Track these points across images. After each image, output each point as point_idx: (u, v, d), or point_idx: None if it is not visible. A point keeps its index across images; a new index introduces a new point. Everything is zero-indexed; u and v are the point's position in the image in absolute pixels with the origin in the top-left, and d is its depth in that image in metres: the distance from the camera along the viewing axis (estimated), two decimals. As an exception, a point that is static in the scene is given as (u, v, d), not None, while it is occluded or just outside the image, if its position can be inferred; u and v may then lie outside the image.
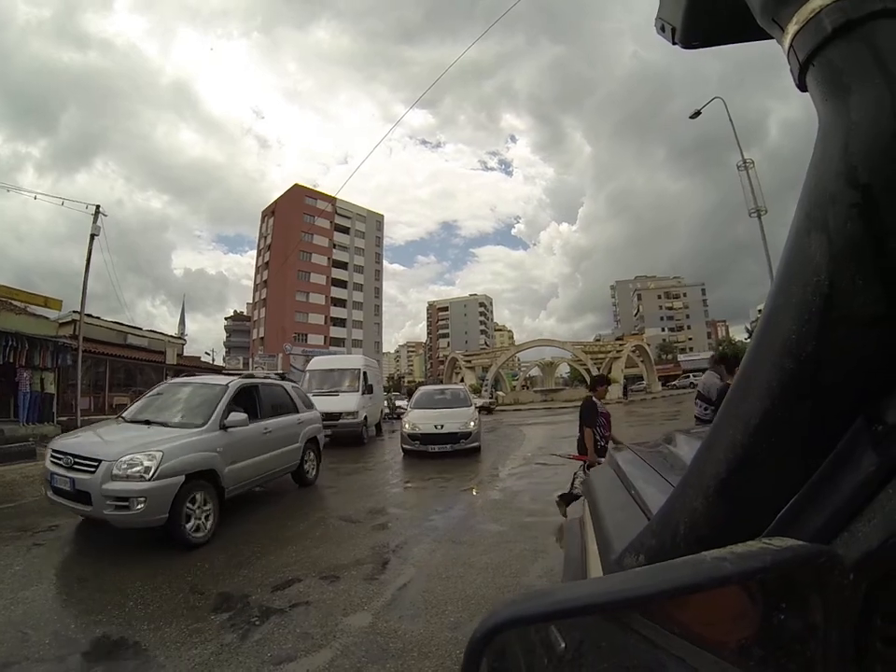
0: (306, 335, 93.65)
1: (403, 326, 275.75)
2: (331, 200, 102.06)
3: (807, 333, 0.48)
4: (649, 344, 78.29)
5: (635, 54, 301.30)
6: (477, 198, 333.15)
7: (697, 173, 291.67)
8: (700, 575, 0.46)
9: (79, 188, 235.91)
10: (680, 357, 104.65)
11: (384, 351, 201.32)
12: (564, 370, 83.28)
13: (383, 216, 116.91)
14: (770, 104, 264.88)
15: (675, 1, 0.73)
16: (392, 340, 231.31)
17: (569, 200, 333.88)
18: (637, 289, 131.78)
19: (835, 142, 0.47)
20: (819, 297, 0.47)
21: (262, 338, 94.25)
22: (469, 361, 64.52)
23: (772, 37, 0.57)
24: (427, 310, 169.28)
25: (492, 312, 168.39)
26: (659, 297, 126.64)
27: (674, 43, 0.78)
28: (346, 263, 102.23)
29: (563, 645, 0.71)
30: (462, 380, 58.14)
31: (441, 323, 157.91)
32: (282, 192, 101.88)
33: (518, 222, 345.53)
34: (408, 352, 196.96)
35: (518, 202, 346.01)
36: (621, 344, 64.31)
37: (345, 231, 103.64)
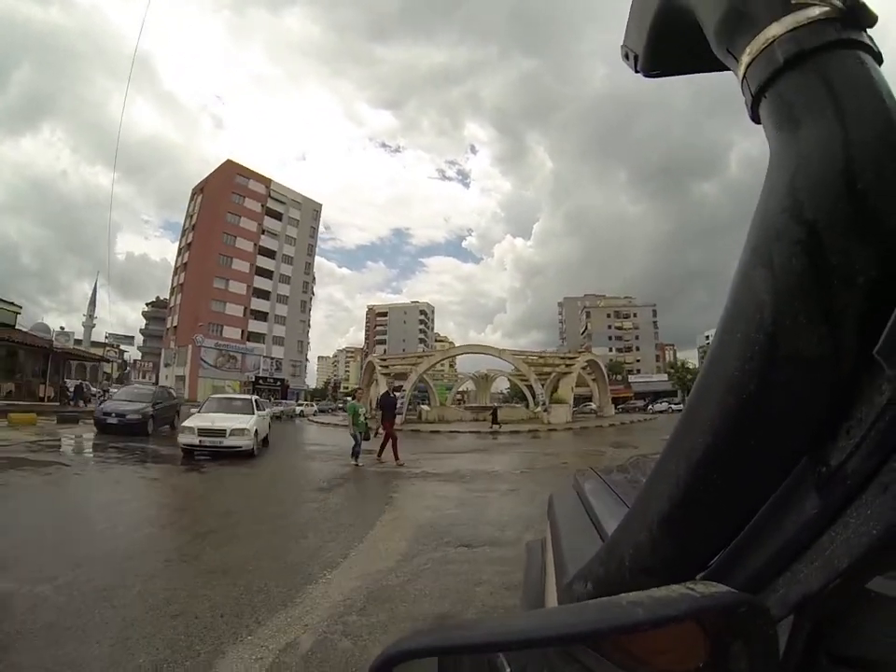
0: (222, 327, 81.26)
1: (348, 331, 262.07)
2: (266, 181, 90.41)
3: (750, 371, 0.46)
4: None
5: (607, 77, 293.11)
6: (432, 207, 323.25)
7: (657, 198, 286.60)
8: (606, 621, 0.46)
9: (24, 153, 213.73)
10: (632, 379, 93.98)
11: (327, 356, 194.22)
12: (503, 384, 69.94)
13: (321, 205, 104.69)
14: (734, 137, 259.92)
15: (638, 30, 0.72)
16: (336, 344, 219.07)
17: (525, 215, 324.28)
18: (585, 307, 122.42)
19: (783, 176, 0.45)
20: (762, 335, 0.45)
21: (176, 327, 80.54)
22: (386, 367, 49.75)
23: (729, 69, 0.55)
24: (367, 314, 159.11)
25: (433, 321, 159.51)
26: (608, 315, 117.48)
27: (636, 71, 0.76)
28: (275, 252, 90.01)
29: (508, 670, 0.75)
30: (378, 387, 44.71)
31: (379, 328, 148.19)
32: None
33: (470, 235, 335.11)
34: (346, 357, 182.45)
35: (472, 214, 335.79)
36: (571, 359, 51.31)
37: (278, 216, 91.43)
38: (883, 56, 0.45)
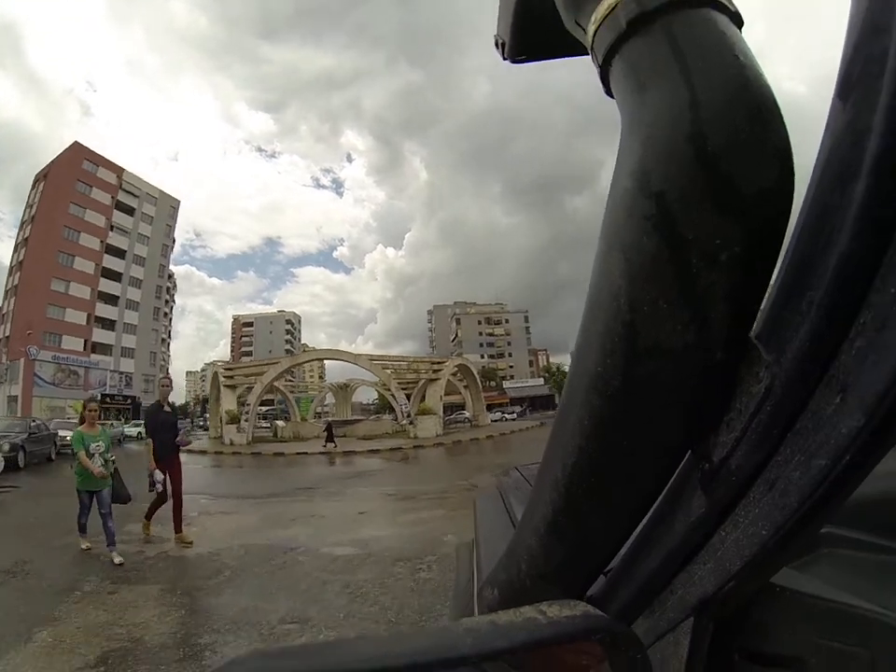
0: (61, 336, 70.08)
1: (218, 344, 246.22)
2: (118, 170, 79.61)
3: (612, 367, 0.43)
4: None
5: (490, 94, 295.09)
6: (305, 216, 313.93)
7: (531, 210, 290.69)
8: (430, 653, 0.42)
9: None
10: (506, 384, 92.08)
11: (196, 370, 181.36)
12: (371, 394, 65.13)
13: (179, 201, 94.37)
14: (605, 154, 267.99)
15: (504, 17, 0.71)
16: (207, 359, 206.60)
17: (398, 225, 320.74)
18: (455, 314, 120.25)
19: (631, 147, 0.41)
20: (620, 325, 0.42)
21: (8, 337, 69.86)
22: (231, 377, 42.27)
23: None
24: (232, 325, 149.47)
25: (300, 331, 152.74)
26: (479, 322, 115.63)
27: (504, 58, 0.76)
28: (125, 251, 79.28)
29: None
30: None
31: (245, 339, 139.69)
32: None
33: (342, 244, 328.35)
34: (214, 371, 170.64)
35: (345, 224, 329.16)
36: (439, 364, 45.33)
37: (129, 211, 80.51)
38: (743, 17, 0.42)
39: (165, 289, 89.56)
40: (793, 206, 0.38)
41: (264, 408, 76.95)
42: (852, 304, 0.36)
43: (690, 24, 0.40)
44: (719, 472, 0.44)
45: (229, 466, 23.83)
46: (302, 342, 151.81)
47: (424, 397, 43.50)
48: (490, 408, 69.01)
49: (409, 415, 37.82)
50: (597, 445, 0.47)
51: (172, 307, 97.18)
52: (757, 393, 0.40)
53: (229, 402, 39.26)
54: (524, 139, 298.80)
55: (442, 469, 19.73)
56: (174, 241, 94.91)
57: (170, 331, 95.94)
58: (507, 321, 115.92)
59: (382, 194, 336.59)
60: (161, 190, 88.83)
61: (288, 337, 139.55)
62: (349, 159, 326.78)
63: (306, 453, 27.39)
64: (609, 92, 0.46)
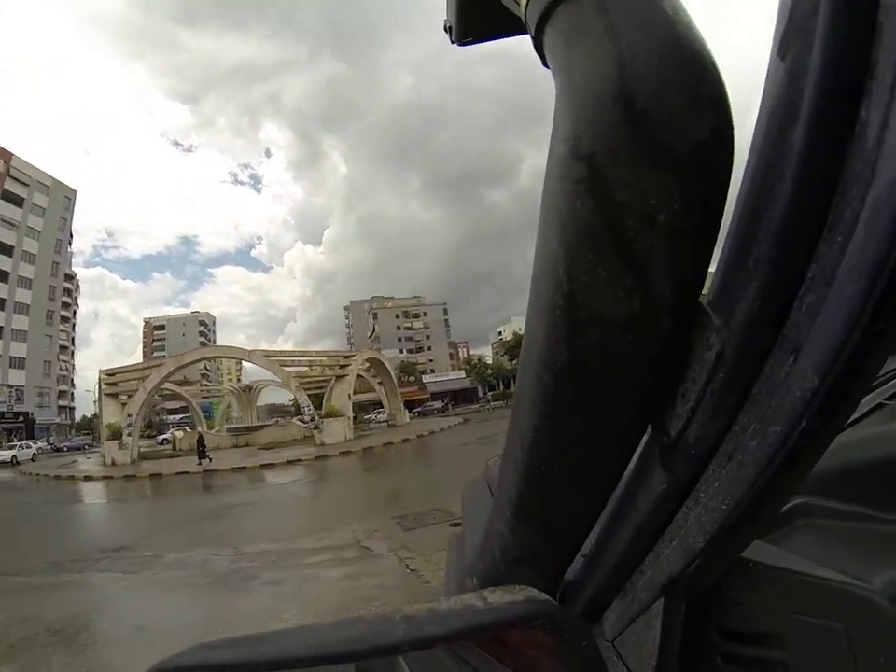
0: None
1: (135, 350, 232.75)
2: (6, 156, 70.84)
3: (557, 340, 0.42)
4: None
5: (413, 86, 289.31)
6: (222, 213, 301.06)
7: (450, 205, 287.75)
8: (365, 640, 0.43)
9: None
10: (426, 379, 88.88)
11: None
12: (286, 397, 60.27)
13: (75, 192, 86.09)
14: (526, 149, 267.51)
15: (451, 0, 0.72)
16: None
17: (316, 221, 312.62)
18: (372, 309, 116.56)
19: (563, 113, 0.40)
20: (560, 296, 0.40)
21: None
22: (114, 384, 35.04)
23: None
24: (144, 329, 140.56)
25: (214, 332, 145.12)
26: (397, 316, 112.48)
27: (452, 42, 0.77)
28: (12, 248, 71.12)
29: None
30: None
31: (156, 344, 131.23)
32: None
33: (260, 243, 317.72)
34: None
35: (263, 221, 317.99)
36: (346, 358, 39.32)
37: (18, 202, 72.26)
38: None
39: (63, 291, 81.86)
40: (737, 163, 0.37)
41: (178, 416, 71.73)
42: (800, 258, 0.35)
43: None
44: (677, 446, 0.43)
45: (59, 499, 19.32)
46: (218, 343, 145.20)
47: (331, 395, 39.34)
48: (411, 404, 66.74)
49: (313, 419, 33.16)
50: (552, 423, 0.46)
51: (75, 311, 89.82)
52: (708, 360, 0.39)
53: (110, 413, 34.02)
54: (444, 134, 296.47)
55: (337, 499, 15.08)
56: (71, 236, 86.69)
57: (73, 338, 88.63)
58: (425, 314, 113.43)
59: (300, 190, 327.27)
60: (54, 178, 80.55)
61: (203, 339, 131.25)
62: (268, 154, 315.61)
63: (187, 472, 23.73)
64: (545, 63, 0.45)
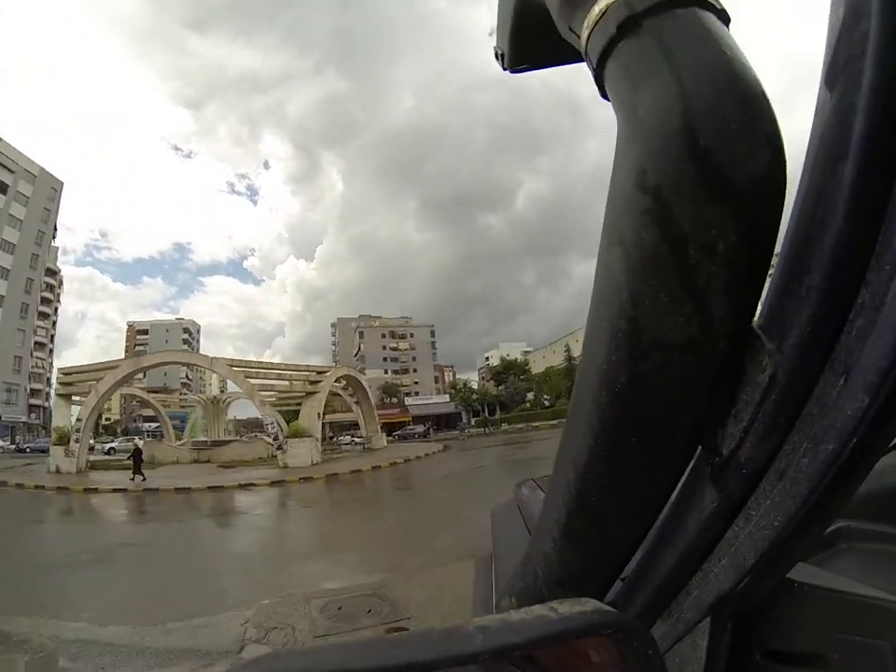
0: None
1: (120, 354, 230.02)
2: None
3: (618, 363, 0.44)
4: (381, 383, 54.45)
5: (414, 108, 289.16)
6: (217, 222, 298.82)
7: (444, 227, 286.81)
8: (442, 651, 0.42)
9: None
10: (408, 401, 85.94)
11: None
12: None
13: (62, 183, 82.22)
14: (522, 176, 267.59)
15: (502, 28, 0.74)
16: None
17: (310, 237, 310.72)
18: (359, 327, 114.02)
19: (626, 145, 0.42)
20: (624, 320, 0.42)
21: None
22: (70, 384, 31.64)
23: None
24: (127, 332, 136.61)
25: (198, 340, 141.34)
26: (383, 336, 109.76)
27: (504, 69, 0.79)
28: None
29: None
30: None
31: (139, 349, 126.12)
32: None
33: (253, 255, 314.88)
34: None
35: (257, 233, 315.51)
36: (319, 374, 35.70)
37: (1, 189, 68.53)
38: (729, 14, 0.43)
39: (44, 286, 77.93)
40: (788, 195, 0.38)
41: (154, 424, 68.34)
42: (850, 285, 0.36)
43: (678, 24, 0.41)
44: (728, 465, 0.44)
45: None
46: (202, 352, 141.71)
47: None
48: (392, 426, 64.46)
49: (277, 438, 29.75)
50: (609, 444, 0.47)
51: (56, 308, 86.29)
52: (761, 382, 0.40)
53: (62, 416, 30.88)
54: (443, 156, 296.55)
55: (259, 553, 11.28)
56: (56, 229, 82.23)
57: (52, 336, 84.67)
58: (412, 335, 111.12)
59: (296, 204, 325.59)
60: (41, 168, 76.97)
61: (186, 347, 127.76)
62: (266, 166, 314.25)
63: (125, 490, 20.78)
64: (604, 95, 0.47)
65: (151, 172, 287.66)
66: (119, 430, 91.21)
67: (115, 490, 20.58)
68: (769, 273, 0.40)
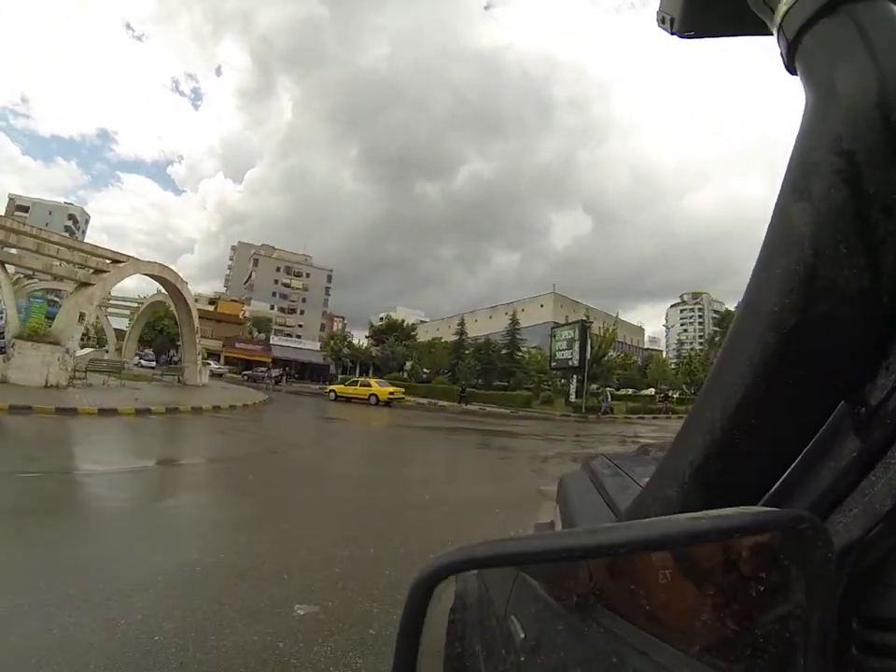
0: None
1: None
2: None
3: (791, 305, 0.46)
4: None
5: (387, 57, 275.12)
6: (150, 118, 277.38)
7: (379, 183, 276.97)
8: (672, 530, 0.44)
9: None
10: (275, 340, 76.68)
11: None
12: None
13: None
14: (470, 155, 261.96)
15: None
16: None
17: (244, 158, 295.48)
18: (255, 253, 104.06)
19: (820, 113, 0.46)
20: (802, 267, 0.45)
21: None
22: None
23: (763, 33, 0.58)
24: (7, 206, 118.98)
25: (84, 231, 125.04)
26: (278, 269, 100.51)
27: (672, 33, 0.78)
28: None
29: (522, 635, 0.73)
30: None
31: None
32: None
33: (179, 162, 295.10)
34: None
35: (190, 140, 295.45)
36: (113, 263, 24.28)
37: None
38: None
39: None
40: None
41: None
42: None
43: (874, 9, 0.45)
44: (874, 415, 0.45)
45: None
46: (86, 240, 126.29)
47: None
48: (249, 364, 58.48)
49: (2, 335, 19.43)
50: (764, 384, 0.49)
51: None
52: None
53: None
54: (400, 112, 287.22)
55: None
56: None
57: None
58: (308, 276, 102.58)
59: (239, 121, 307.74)
60: None
61: (66, 234, 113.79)
62: (218, 72, 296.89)
63: None
64: (790, 68, 0.52)
65: (94, 46, 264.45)
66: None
67: None
68: None
